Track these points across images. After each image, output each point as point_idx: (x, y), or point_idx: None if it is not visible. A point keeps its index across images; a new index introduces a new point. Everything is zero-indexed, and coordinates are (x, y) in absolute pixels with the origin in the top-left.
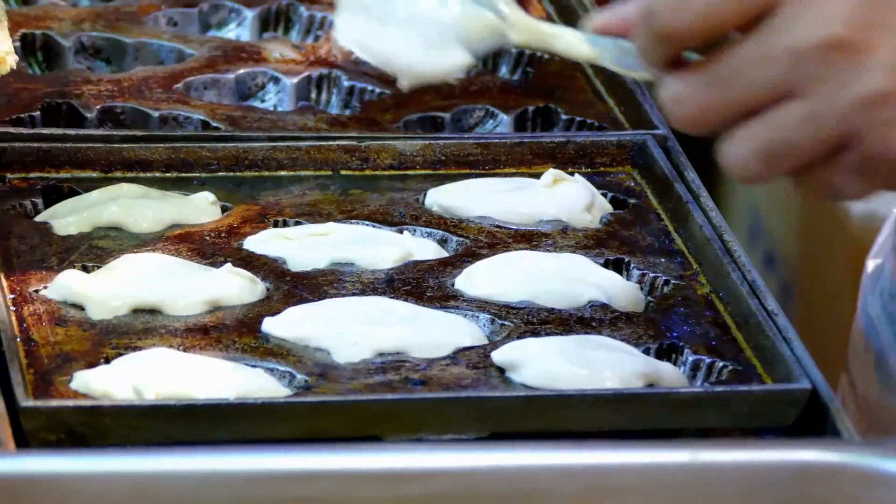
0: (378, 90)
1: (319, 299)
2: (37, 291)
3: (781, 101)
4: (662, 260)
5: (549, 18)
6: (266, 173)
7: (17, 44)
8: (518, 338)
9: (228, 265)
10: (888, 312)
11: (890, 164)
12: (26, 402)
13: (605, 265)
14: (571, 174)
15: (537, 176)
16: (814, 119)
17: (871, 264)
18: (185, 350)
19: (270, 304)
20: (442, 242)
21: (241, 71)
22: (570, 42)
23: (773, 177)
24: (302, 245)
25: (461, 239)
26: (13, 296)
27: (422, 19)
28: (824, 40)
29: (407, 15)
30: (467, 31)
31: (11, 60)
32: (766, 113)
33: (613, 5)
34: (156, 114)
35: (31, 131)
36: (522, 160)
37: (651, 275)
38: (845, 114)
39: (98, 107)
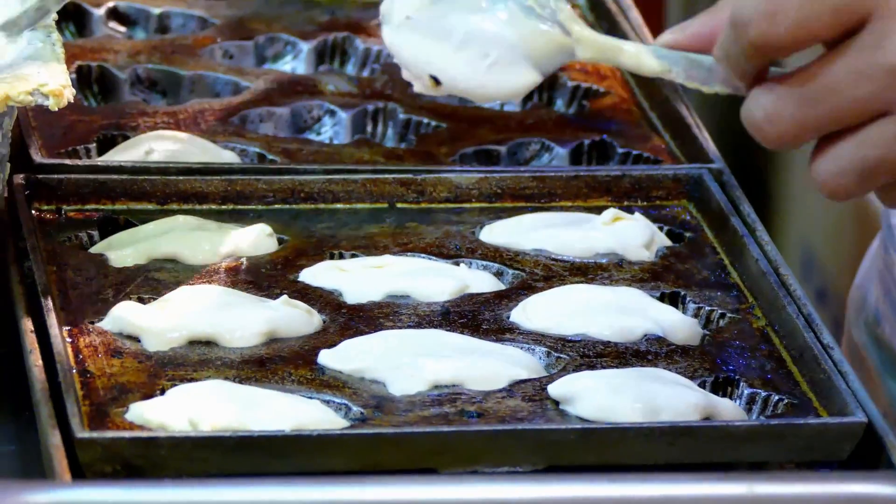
0: (434, 123)
1: (375, 331)
2: (93, 323)
3: (876, 119)
4: (718, 293)
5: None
6: (322, 206)
7: (73, 76)
8: (574, 371)
9: (284, 297)
10: (874, 337)
11: None
12: (82, 433)
13: (661, 298)
14: (627, 207)
15: (593, 209)
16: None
17: (854, 293)
18: (240, 382)
19: (326, 337)
20: (498, 275)
21: (297, 103)
22: (639, 56)
23: (866, 192)
24: (358, 277)
25: (517, 272)
26: (69, 327)
27: (484, 38)
28: None
29: (468, 34)
30: (534, 48)
31: (68, 94)
32: (861, 130)
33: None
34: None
35: (87, 163)
36: (578, 193)
37: (707, 308)
38: None
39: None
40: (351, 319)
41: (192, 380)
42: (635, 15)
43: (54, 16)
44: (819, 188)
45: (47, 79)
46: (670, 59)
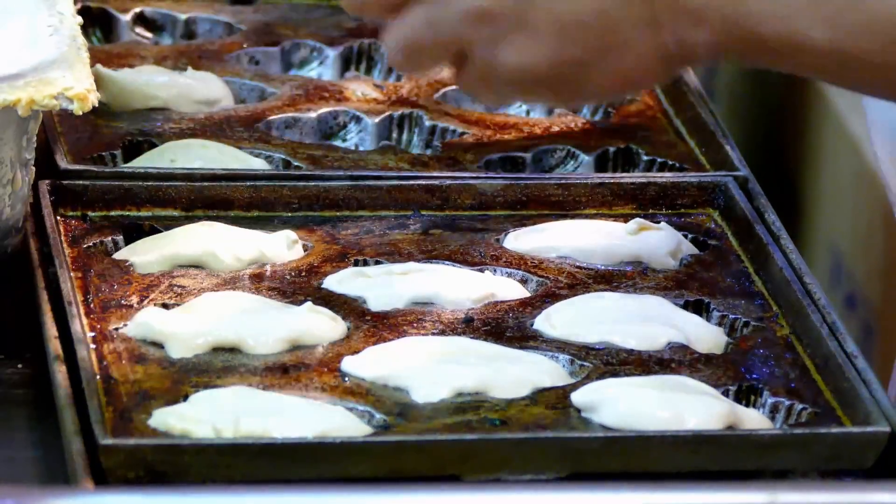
0: (459, 130)
1: (399, 338)
2: (117, 329)
3: (411, 6)
4: (742, 302)
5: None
6: (347, 212)
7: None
8: (597, 379)
9: (309, 304)
10: None
11: (505, 77)
12: (105, 439)
13: (685, 307)
14: (652, 215)
15: (618, 217)
16: (431, 24)
17: None
18: (264, 388)
19: (350, 344)
20: (522, 282)
21: (323, 110)
22: None
23: (418, 69)
24: (382, 284)
25: (541, 279)
26: (93, 333)
27: None
28: None
29: None
30: None
31: (93, 98)
32: (401, 14)
33: None
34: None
35: (113, 170)
36: (603, 201)
37: (731, 316)
38: (455, 24)
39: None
40: (375, 326)
41: (215, 386)
42: None
43: (80, 20)
44: (389, 62)
45: (72, 83)
46: None
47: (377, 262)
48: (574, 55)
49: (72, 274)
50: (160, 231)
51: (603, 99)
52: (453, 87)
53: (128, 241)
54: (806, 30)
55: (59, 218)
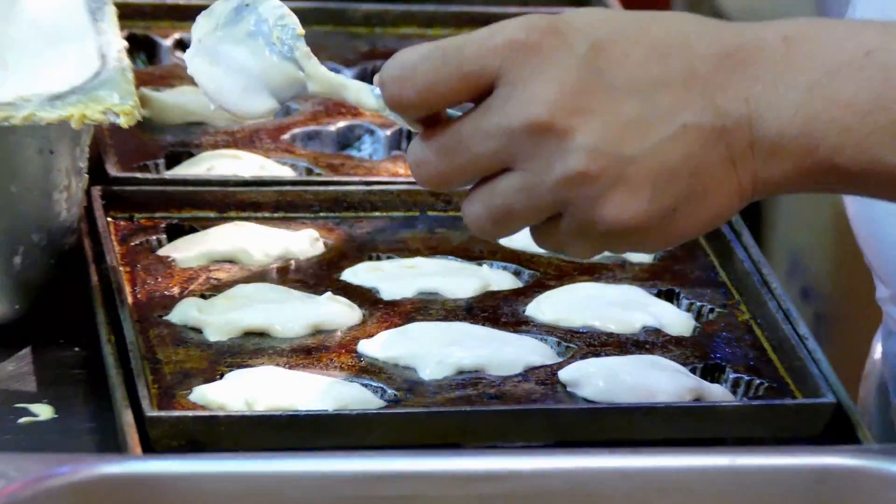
0: None
1: (408, 324)
2: (161, 317)
3: (504, 171)
4: (708, 291)
5: None
6: (362, 213)
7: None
8: (581, 358)
9: (329, 293)
10: None
11: (601, 232)
12: (151, 412)
13: (658, 295)
14: None
15: None
16: (528, 190)
17: None
18: (290, 368)
19: (365, 328)
20: (515, 275)
21: (341, 124)
22: (359, 93)
23: (504, 234)
24: (393, 276)
25: (532, 271)
26: (140, 321)
27: (241, 68)
28: (530, 122)
29: (232, 61)
30: (271, 80)
31: (137, 114)
32: (491, 181)
33: None
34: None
35: (156, 177)
36: None
37: (698, 304)
38: (553, 188)
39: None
40: (386, 313)
41: (247, 366)
42: None
43: (126, 44)
44: (468, 227)
45: (118, 100)
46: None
47: (389, 257)
48: (666, 204)
49: (121, 268)
50: (198, 230)
51: (684, 241)
52: None
53: (170, 240)
54: (883, 157)
55: (109, 220)
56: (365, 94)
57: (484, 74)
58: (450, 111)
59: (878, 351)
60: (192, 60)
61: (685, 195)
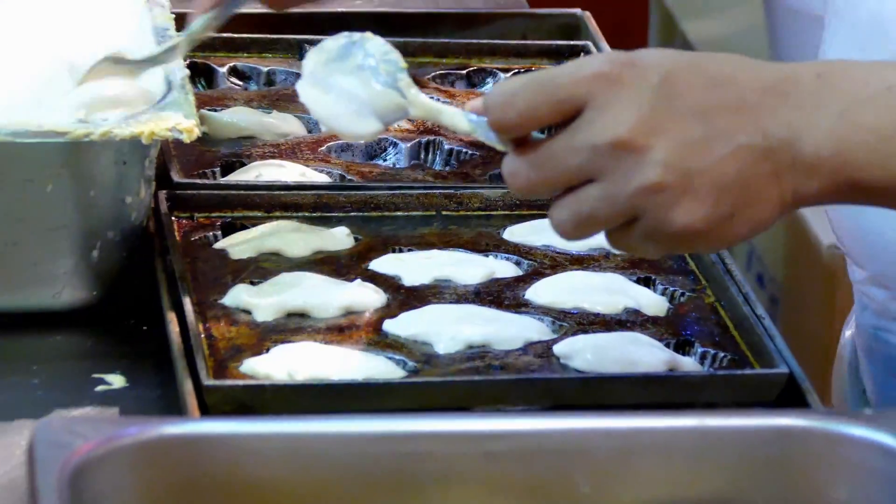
0: (470, 152)
1: (425, 306)
2: (216, 300)
3: (587, 182)
4: (679, 278)
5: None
6: (387, 213)
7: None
8: (573, 335)
9: (358, 280)
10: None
11: (669, 235)
12: (208, 382)
13: (637, 282)
14: None
15: None
16: (609, 199)
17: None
18: (325, 343)
19: (389, 310)
20: (516, 264)
21: None
22: (454, 118)
23: (585, 237)
24: (412, 266)
25: (531, 262)
26: (198, 304)
27: (350, 96)
28: (614, 140)
29: (341, 90)
30: (378, 106)
31: (197, 131)
32: (577, 190)
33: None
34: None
35: (213, 182)
36: None
37: (671, 289)
38: (631, 196)
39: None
40: (407, 297)
41: (289, 342)
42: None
43: (187, 72)
44: (554, 230)
45: (182, 119)
46: (476, 123)
47: (409, 250)
48: (725, 211)
49: (182, 260)
50: (248, 227)
51: (736, 244)
52: None
53: (224, 235)
54: None
55: (173, 218)
56: (458, 119)
57: (574, 100)
58: (534, 133)
59: (846, 334)
60: (304, 90)
61: (740, 204)
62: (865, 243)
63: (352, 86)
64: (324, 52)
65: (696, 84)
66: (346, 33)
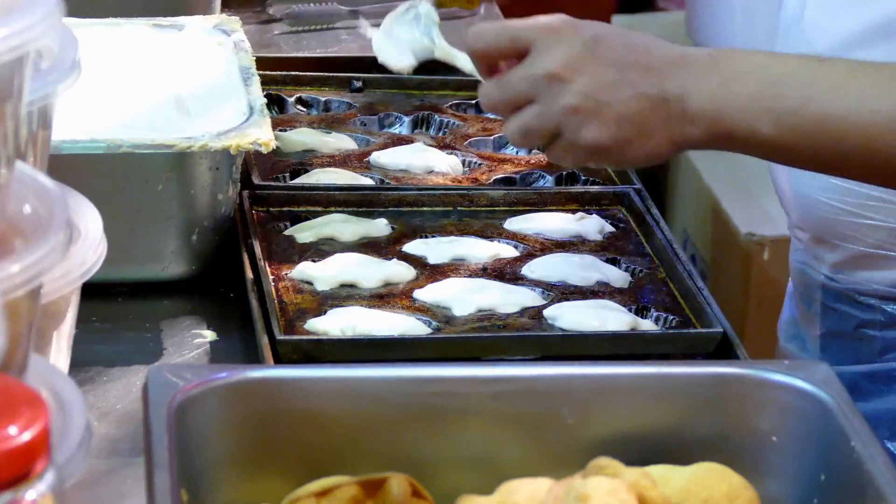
0: (479, 161)
1: (446, 279)
2: (286, 274)
3: (529, 103)
4: (638, 258)
5: None
6: (415, 209)
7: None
8: (558, 302)
9: (395, 259)
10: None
11: (582, 148)
12: (280, 337)
13: (607, 261)
14: (587, 210)
15: (568, 210)
16: (541, 115)
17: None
18: (369, 307)
19: (418, 282)
20: (514, 248)
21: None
22: (462, 60)
23: (529, 146)
24: (435, 248)
25: (525, 246)
26: (273, 277)
27: (399, 40)
28: (547, 72)
29: (397, 36)
30: (415, 48)
31: (273, 144)
32: (523, 108)
33: None
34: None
35: (284, 184)
36: (560, 202)
37: (632, 266)
38: (556, 115)
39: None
40: (432, 273)
41: (342, 306)
42: None
43: (265, 100)
44: (509, 140)
45: (261, 135)
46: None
47: (433, 236)
48: (623, 136)
49: (260, 243)
50: (310, 219)
51: (634, 166)
52: (475, 136)
53: (292, 225)
54: (759, 128)
55: (253, 212)
56: (465, 60)
57: (524, 40)
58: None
59: (790, 287)
60: (375, 36)
61: (637, 134)
62: (792, 196)
63: (401, 33)
64: (395, 13)
65: (617, 45)
66: (409, 1)
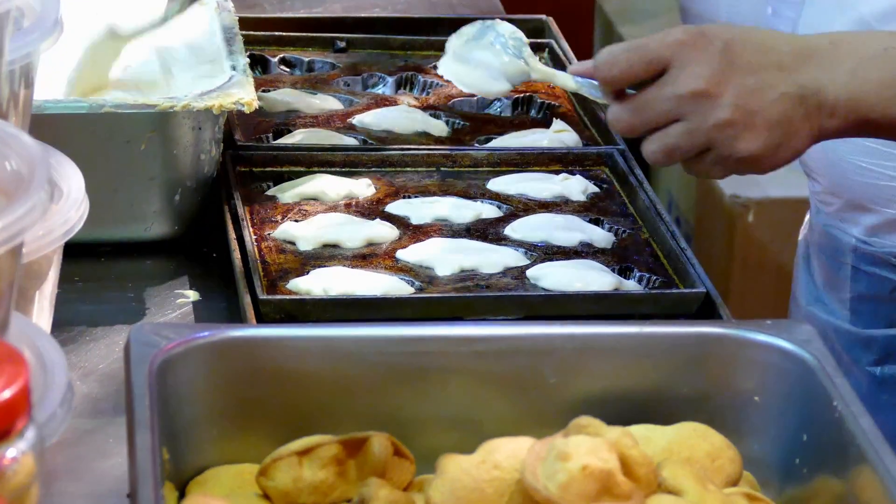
0: (462, 122)
1: (428, 239)
2: (269, 234)
3: (672, 123)
4: (622, 219)
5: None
6: (399, 168)
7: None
8: (541, 262)
9: (378, 220)
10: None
11: (736, 160)
12: (262, 296)
13: (590, 221)
14: (571, 170)
15: (552, 171)
16: (691, 133)
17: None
18: (352, 267)
19: (401, 242)
20: (498, 208)
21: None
22: (564, 80)
23: (670, 164)
24: (419, 208)
25: (509, 206)
26: (255, 237)
27: (486, 65)
28: (693, 90)
29: (479, 61)
30: (507, 71)
31: (255, 104)
32: (664, 129)
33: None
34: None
35: (267, 145)
36: (543, 162)
37: (616, 227)
38: (706, 131)
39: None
40: (414, 233)
41: (324, 266)
42: (567, 47)
43: (248, 60)
44: (646, 159)
45: (244, 95)
46: (581, 83)
47: (416, 196)
48: (773, 141)
49: (243, 203)
50: (293, 179)
51: (780, 167)
52: (458, 97)
53: (275, 185)
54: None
55: (235, 171)
56: (568, 80)
57: (661, 61)
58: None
59: (800, 237)
60: (446, 66)
61: (785, 136)
62: (825, 163)
63: (486, 58)
64: (463, 35)
65: (747, 49)
66: (479, 21)
